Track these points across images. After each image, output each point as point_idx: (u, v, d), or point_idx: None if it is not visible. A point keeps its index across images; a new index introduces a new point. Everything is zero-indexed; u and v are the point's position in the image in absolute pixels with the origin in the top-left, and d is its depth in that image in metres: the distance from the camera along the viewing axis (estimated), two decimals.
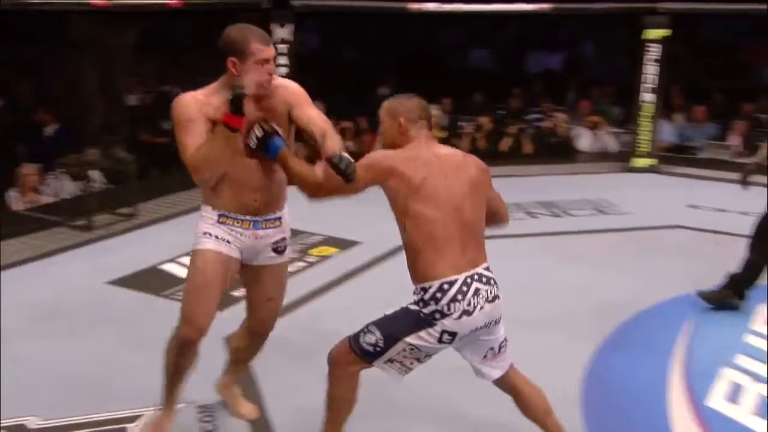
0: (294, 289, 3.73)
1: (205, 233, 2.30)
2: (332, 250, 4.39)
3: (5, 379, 2.74)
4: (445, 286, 2.07)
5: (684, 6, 6.16)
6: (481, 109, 7.22)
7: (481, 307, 2.10)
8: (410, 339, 2.10)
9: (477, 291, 2.09)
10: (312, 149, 2.23)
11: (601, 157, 6.77)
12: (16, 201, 4.85)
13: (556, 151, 6.82)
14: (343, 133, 6.59)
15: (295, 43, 5.54)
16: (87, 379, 2.81)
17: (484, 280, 2.12)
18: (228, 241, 2.30)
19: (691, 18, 6.70)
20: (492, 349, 2.21)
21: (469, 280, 2.08)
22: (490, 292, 2.12)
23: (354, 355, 2.15)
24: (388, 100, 2.28)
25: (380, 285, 3.83)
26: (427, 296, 2.08)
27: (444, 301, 2.07)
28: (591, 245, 4.51)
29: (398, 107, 2.24)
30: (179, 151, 2.20)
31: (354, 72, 7.49)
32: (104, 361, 2.95)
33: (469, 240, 2.12)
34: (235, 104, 2.12)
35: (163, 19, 5.38)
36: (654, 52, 6.16)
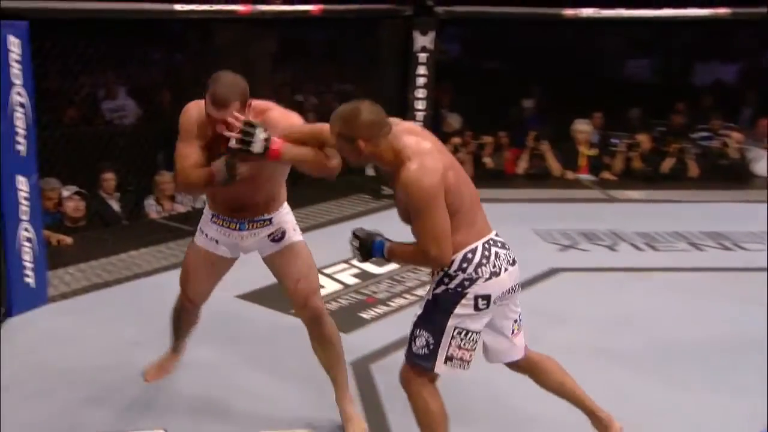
0: (398, 325, 3.79)
1: (200, 229, 2.69)
2: None
3: (132, 392, 2.96)
4: (469, 255, 2.22)
5: None
6: (638, 125, 6.97)
7: (506, 269, 2.26)
8: (452, 321, 2.23)
9: (497, 254, 2.25)
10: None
11: None
12: (153, 209, 5.24)
13: (728, 175, 6.44)
14: (482, 148, 6.60)
15: (435, 52, 5.63)
16: (208, 399, 2.94)
17: (500, 244, 2.29)
18: (216, 240, 2.65)
19: None
20: (517, 320, 2.38)
21: (487, 245, 2.25)
22: (509, 255, 2.29)
23: (418, 368, 2.28)
24: (335, 119, 2.16)
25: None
26: (452, 270, 2.22)
27: (471, 269, 2.21)
28: None
29: (350, 130, 2.14)
30: (175, 156, 2.43)
31: (496, 83, 7.48)
32: (228, 380, 3.09)
33: (478, 208, 2.29)
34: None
35: (299, 27, 5.66)
36: None
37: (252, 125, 2.28)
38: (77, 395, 2.94)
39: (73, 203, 4.72)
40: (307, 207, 5.53)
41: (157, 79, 5.12)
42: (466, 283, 2.22)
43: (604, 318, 3.76)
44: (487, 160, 6.57)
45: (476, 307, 2.23)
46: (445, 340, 2.24)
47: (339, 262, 4.43)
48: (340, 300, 3.96)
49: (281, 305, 3.85)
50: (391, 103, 5.68)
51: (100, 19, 3.73)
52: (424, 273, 4.36)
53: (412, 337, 2.29)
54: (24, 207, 3.51)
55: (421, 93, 5.63)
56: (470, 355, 2.29)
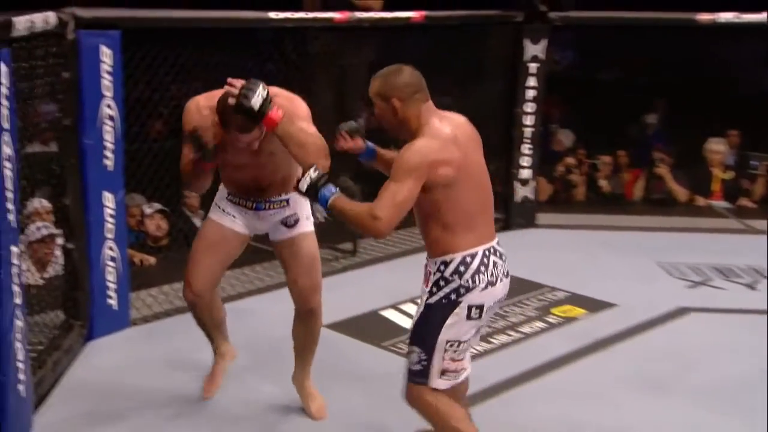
0: (530, 354, 3.72)
1: (215, 204, 2.91)
2: (579, 311, 4.25)
3: (214, 419, 3.02)
4: (468, 259, 2.35)
5: None
6: None
7: (501, 280, 2.42)
8: (444, 334, 2.37)
9: (495, 264, 2.40)
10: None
11: None
12: None
13: None
14: (597, 169, 6.43)
15: (547, 62, 5.55)
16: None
17: (499, 254, 2.43)
18: (233, 216, 2.86)
19: None
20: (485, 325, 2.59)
21: (487, 253, 2.39)
22: (505, 267, 2.45)
23: (417, 386, 2.44)
24: (375, 78, 2.40)
25: (639, 357, 3.65)
26: (448, 272, 2.35)
27: (468, 275, 2.35)
28: None
29: (387, 87, 2.36)
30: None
31: (615, 96, 7.28)
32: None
33: (489, 214, 2.46)
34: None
35: (395, 36, 5.70)
36: None
37: (254, 83, 2.41)
38: (155, 421, 3.02)
39: (154, 221, 4.86)
40: (399, 230, 5.52)
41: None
42: (462, 290, 2.36)
43: (743, 368, 3.55)
44: (603, 183, 6.38)
45: (468, 317, 2.38)
46: (438, 355, 2.39)
47: None
48: None
49: (370, 335, 3.86)
50: (496, 117, 5.64)
51: (193, 29, 3.86)
52: (531, 307, 4.27)
53: (407, 355, 2.46)
54: (109, 224, 3.64)
55: (529, 107, 5.54)
56: (462, 365, 2.47)
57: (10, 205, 2.62)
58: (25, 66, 3.00)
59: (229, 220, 2.89)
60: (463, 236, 2.35)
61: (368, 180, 5.61)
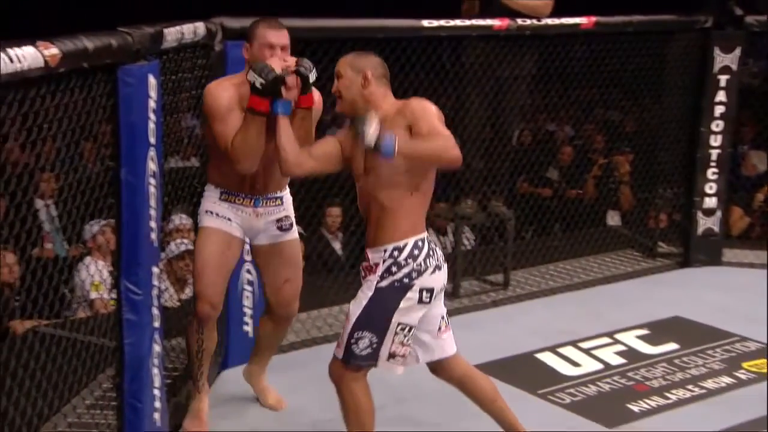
0: (715, 414, 3.56)
1: (207, 211, 3.13)
2: None
3: None
4: (420, 243, 2.76)
5: None
6: None
7: (442, 266, 2.82)
8: (396, 317, 2.74)
9: (435, 250, 2.81)
10: None
11: None
12: None
13: None
14: None
15: (740, 73, 5.33)
16: None
17: (434, 243, 2.85)
18: (229, 219, 3.13)
19: None
20: (443, 317, 2.92)
21: (428, 239, 2.81)
22: (441, 253, 2.86)
23: (355, 367, 2.78)
24: (345, 56, 2.86)
25: None
26: (402, 257, 2.74)
27: (420, 258, 2.75)
28: None
29: (361, 61, 2.82)
30: (216, 141, 3.00)
31: None
32: None
33: (428, 204, 2.87)
34: (253, 86, 2.87)
35: (558, 44, 5.62)
36: None
37: (308, 62, 2.95)
38: None
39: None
40: (558, 263, 5.50)
41: None
42: (414, 274, 2.74)
43: None
44: None
45: (420, 300, 2.75)
46: (389, 337, 2.75)
47: (600, 335, 4.37)
48: (600, 384, 3.88)
49: (523, 381, 3.83)
50: (677, 137, 5.48)
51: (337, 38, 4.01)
52: (717, 359, 4.10)
53: (353, 340, 2.76)
54: (248, 246, 3.82)
55: (717, 125, 5.36)
56: (408, 351, 2.83)
57: (153, 224, 2.84)
58: (172, 78, 3.23)
59: (227, 225, 3.14)
60: (418, 221, 2.78)
61: (520, 205, 5.61)
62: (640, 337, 4.36)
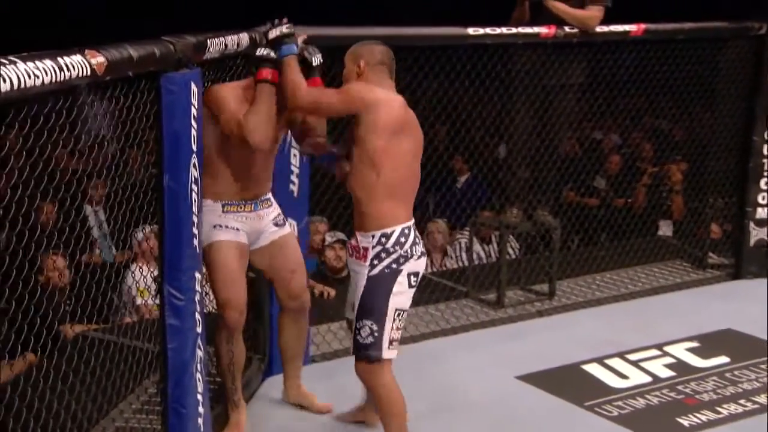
0: (762, 427, 3.46)
1: (215, 226, 3.17)
2: None
3: None
4: (406, 231, 2.92)
5: None
6: None
7: (425, 253, 3.01)
8: (392, 302, 2.89)
9: (418, 237, 2.99)
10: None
11: None
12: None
13: None
14: None
15: None
16: None
17: (417, 232, 3.00)
18: (237, 229, 3.21)
19: None
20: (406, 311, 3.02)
21: (413, 228, 2.97)
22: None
23: (368, 359, 2.90)
24: (355, 45, 3.05)
25: None
26: (389, 243, 2.89)
27: (407, 245, 2.91)
28: None
29: (360, 50, 3.01)
30: (237, 127, 3.06)
31: None
32: None
33: (413, 195, 3.02)
34: (263, 58, 3.11)
35: (609, 52, 5.55)
36: None
37: (313, 47, 3.24)
38: None
39: (334, 251, 5.11)
40: (605, 272, 5.43)
41: (428, 113, 5.33)
42: (402, 260, 2.90)
43: None
44: None
45: (410, 284, 2.92)
46: (388, 324, 2.88)
47: (649, 347, 4.31)
48: (648, 397, 3.82)
49: (569, 392, 3.78)
50: (729, 145, 5.38)
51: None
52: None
53: (356, 332, 2.91)
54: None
55: None
56: (400, 335, 2.97)
57: (195, 230, 2.86)
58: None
59: (237, 235, 3.22)
60: (398, 207, 2.91)
61: (566, 214, 5.55)
62: (690, 350, 4.29)
